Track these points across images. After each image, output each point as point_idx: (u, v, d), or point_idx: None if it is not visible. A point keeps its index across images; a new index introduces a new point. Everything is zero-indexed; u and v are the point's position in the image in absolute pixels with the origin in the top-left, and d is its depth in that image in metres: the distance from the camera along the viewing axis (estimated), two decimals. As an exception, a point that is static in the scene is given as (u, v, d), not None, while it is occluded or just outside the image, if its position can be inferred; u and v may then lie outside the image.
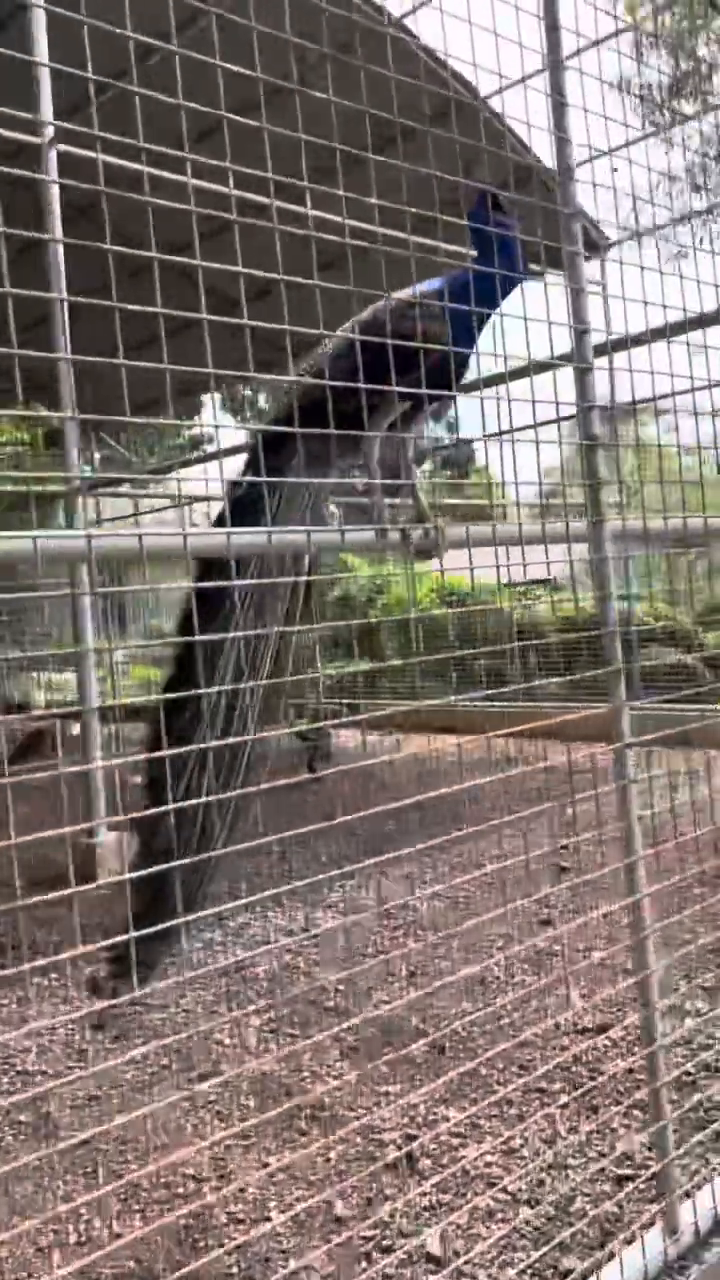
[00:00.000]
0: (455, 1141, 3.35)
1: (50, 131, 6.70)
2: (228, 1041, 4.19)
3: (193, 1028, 4.32)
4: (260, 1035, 4.26)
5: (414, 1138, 3.36)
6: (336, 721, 10.28)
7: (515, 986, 4.54)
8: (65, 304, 6.43)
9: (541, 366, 2.22)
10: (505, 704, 11.32)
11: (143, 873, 2.62)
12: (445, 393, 2.51)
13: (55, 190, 6.72)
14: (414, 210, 2.23)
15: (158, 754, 2.72)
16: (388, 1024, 4.20)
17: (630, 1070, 3.70)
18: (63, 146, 6.69)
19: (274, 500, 2.75)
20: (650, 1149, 3.03)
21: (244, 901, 5.57)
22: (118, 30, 1.78)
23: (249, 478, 2.92)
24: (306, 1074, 3.87)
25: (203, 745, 2.73)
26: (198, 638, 2.68)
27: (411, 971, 4.79)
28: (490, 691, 11.25)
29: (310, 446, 2.64)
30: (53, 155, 6.71)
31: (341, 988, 4.62)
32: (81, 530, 1.86)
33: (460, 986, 4.54)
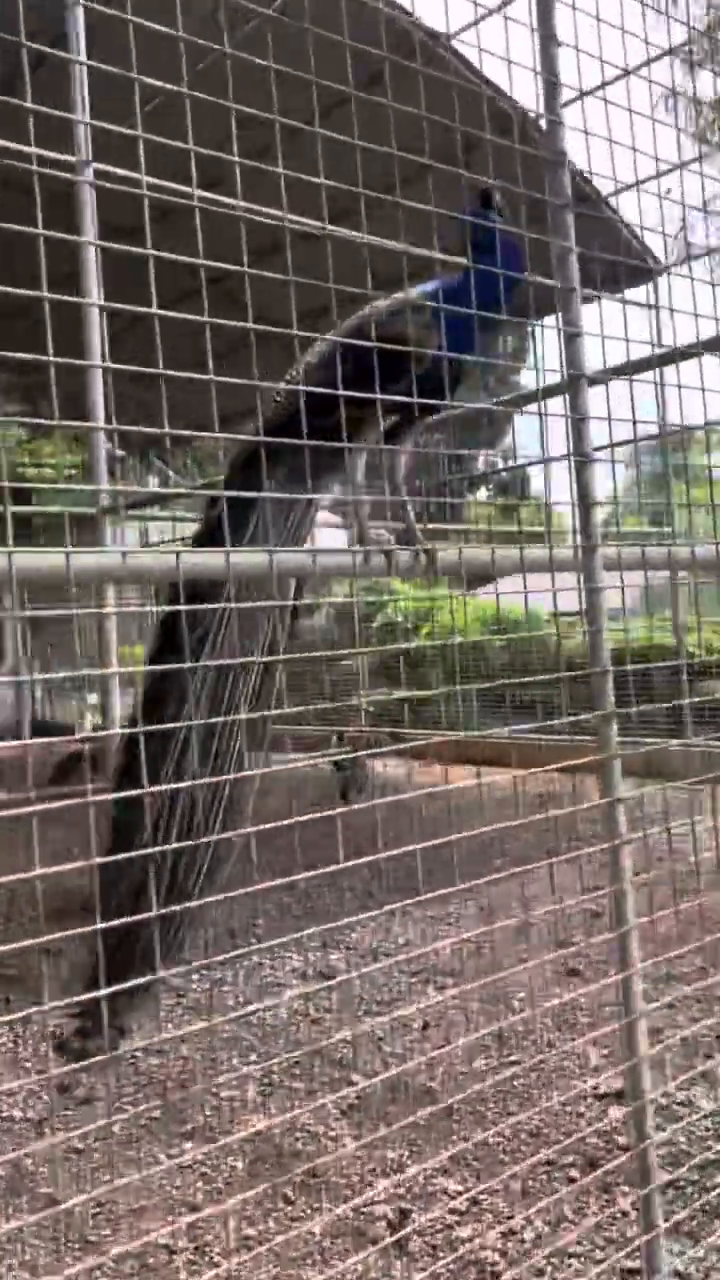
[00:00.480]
0: (452, 1219, 3.08)
1: (85, 152, 6.65)
2: (224, 1094, 3.96)
3: (189, 1078, 4.10)
4: (259, 1088, 4.02)
5: (407, 1213, 3.10)
6: (373, 751, 10.03)
7: (534, 1044, 4.25)
8: (103, 314, 6.37)
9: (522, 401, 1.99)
10: (554, 738, 11.01)
11: (98, 926, 2.42)
12: (433, 401, 2.29)
13: (90, 196, 6.63)
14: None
15: (119, 794, 2.53)
16: (395, 1080, 3.95)
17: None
18: (99, 165, 6.63)
19: (252, 522, 2.56)
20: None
21: (257, 948, 5.35)
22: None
23: (229, 493, 2.73)
24: (302, 1134, 3.62)
25: (175, 785, 2.54)
26: (163, 666, 2.49)
27: (426, 1024, 4.52)
28: (535, 725, 10.93)
29: (290, 464, 2.45)
30: (89, 173, 6.65)
31: (350, 1039, 4.37)
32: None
33: (476, 1042, 4.27)
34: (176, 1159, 3.45)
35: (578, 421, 1.97)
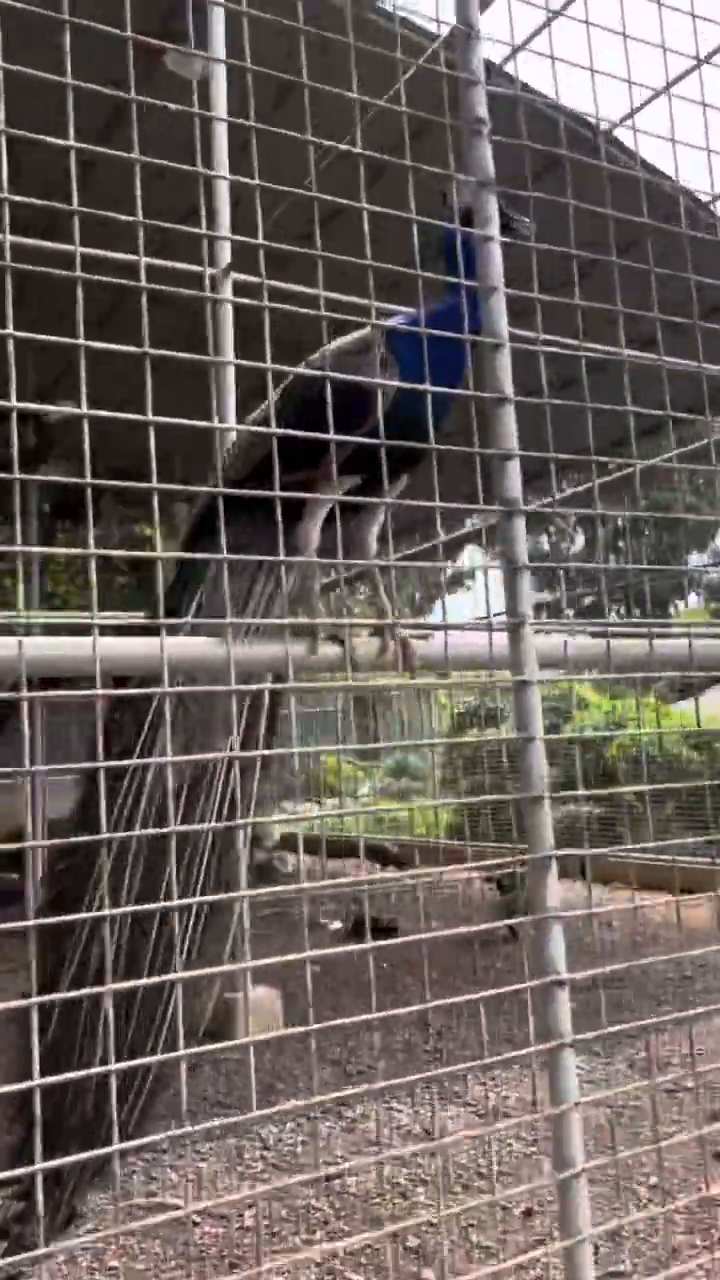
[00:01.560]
0: None
1: (227, 259, 6.72)
2: (273, 1280, 3.41)
3: (247, 1253, 3.57)
4: (316, 1276, 3.45)
5: None
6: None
7: (654, 1251, 3.47)
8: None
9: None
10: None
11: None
12: (401, 442, 1.85)
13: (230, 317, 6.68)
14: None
15: (39, 921, 2.15)
16: (473, 1283, 3.29)
17: None
18: (238, 276, 6.70)
19: (192, 600, 2.21)
20: None
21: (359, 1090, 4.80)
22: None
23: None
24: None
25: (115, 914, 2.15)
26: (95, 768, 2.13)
27: (529, 1210, 3.81)
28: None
29: (233, 538, 2.06)
30: (228, 284, 6.73)
31: (435, 1221, 3.73)
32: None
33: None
34: None
35: (503, 459, 1.50)
